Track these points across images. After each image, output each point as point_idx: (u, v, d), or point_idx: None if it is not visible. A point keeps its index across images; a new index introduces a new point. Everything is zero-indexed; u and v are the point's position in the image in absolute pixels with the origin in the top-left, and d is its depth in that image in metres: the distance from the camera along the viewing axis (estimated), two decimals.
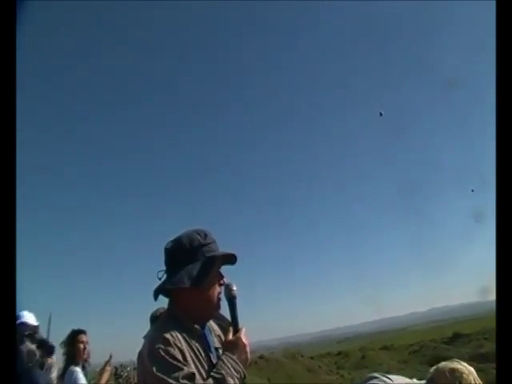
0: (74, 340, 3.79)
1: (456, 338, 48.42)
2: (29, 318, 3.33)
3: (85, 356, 3.81)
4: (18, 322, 3.01)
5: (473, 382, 1.87)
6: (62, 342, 3.75)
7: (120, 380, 11.98)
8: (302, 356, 25.26)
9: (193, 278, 1.54)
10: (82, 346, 3.77)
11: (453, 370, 1.84)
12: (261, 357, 22.93)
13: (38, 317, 3.50)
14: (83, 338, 3.82)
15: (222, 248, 1.67)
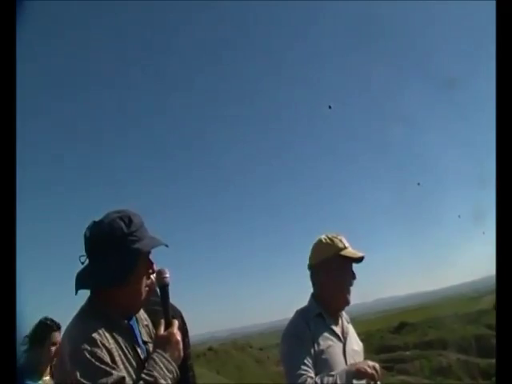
0: (44, 337, 2.61)
1: (402, 327, 49.77)
2: None
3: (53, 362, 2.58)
4: None
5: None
6: (26, 336, 2.56)
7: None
8: (251, 347, 25.16)
9: (114, 276, 1.36)
10: (53, 348, 2.61)
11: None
12: (210, 348, 22.67)
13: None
14: (57, 337, 2.61)
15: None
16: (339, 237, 2.17)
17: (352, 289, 2.14)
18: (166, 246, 1.47)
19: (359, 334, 2.31)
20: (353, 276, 2.16)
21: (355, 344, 2.20)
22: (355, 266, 2.15)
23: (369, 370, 1.93)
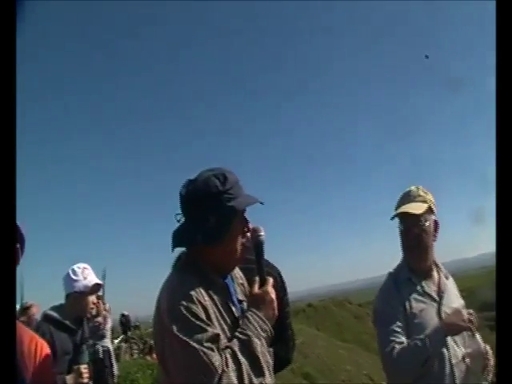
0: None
1: None
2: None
3: None
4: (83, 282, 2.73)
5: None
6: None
7: (129, 334, 11.11)
8: (350, 303, 24.82)
9: (209, 234, 1.35)
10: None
11: None
12: (309, 305, 22.52)
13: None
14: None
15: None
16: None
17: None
18: (262, 203, 1.45)
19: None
20: (436, 232, 2.03)
21: (454, 301, 2.06)
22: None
23: (462, 324, 1.81)
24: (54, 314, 2.72)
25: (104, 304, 3.12)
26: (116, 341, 10.44)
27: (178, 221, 1.44)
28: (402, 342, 1.84)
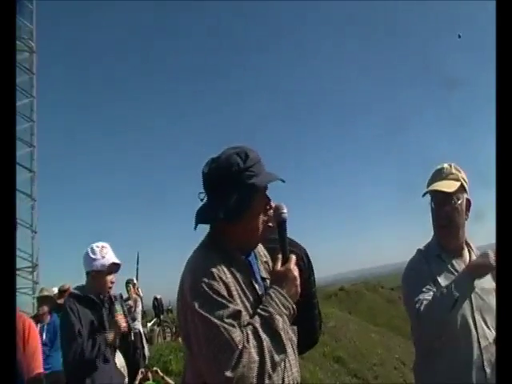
0: None
1: None
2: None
3: None
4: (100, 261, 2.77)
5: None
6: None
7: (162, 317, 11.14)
8: (382, 287, 24.63)
9: (231, 211, 1.35)
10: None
11: None
12: (341, 289, 22.39)
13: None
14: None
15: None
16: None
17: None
18: (283, 181, 1.45)
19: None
20: (468, 211, 1.98)
21: (486, 282, 1.95)
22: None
23: (489, 265, 1.69)
24: (77, 292, 2.81)
25: (135, 287, 3.17)
26: (149, 324, 10.63)
27: (202, 200, 1.44)
28: (427, 299, 1.78)
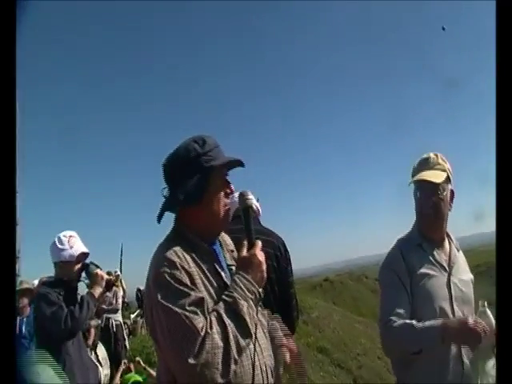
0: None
1: None
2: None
3: None
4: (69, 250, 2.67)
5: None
6: None
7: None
8: (366, 278, 24.69)
9: (190, 194, 1.36)
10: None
11: None
12: (326, 279, 22.47)
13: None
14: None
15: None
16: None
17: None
18: (242, 165, 1.46)
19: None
20: (451, 202, 1.98)
21: (463, 274, 2.00)
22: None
23: (466, 335, 1.65)
24: (47, 278, 2.70)
25: (114, 279, 3.09)
26: (133, 315, 10.59)
27: (165, 196, 1.44)
28: (400, 314, 1.79)
